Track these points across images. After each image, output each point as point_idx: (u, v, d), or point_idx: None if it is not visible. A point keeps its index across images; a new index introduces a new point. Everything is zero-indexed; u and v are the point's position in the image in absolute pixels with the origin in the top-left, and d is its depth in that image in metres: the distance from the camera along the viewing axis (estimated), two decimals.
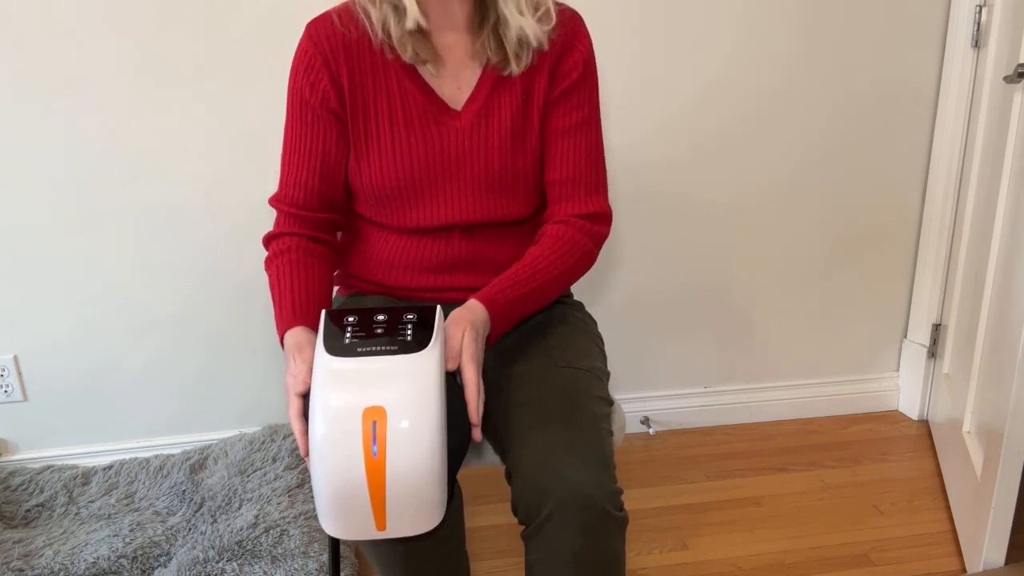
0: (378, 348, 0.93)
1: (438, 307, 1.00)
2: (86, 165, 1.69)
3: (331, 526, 0.93)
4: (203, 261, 1.79)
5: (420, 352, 0.93)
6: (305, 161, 1.15)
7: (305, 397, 1.00)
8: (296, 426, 0.99)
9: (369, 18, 1.10)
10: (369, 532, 0.92)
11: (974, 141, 1.81)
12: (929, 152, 1.98)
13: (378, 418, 0.88)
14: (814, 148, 1.93)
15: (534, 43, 1.11)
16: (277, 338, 1.10)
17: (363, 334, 0.95)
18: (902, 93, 1.92)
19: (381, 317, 0.98)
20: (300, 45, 1.13)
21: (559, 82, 1.15)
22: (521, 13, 1.09)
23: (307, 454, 0.99)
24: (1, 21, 1.58)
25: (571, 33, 1.16)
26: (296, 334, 1.05)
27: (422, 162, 1.13)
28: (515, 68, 1.12)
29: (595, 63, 1.19)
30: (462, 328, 1.02)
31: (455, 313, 1.05)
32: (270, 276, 1.14)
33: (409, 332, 0.95)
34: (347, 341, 0.94)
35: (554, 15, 1.12)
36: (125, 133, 1.68)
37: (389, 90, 1.13)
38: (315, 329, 1.06)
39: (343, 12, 1.12)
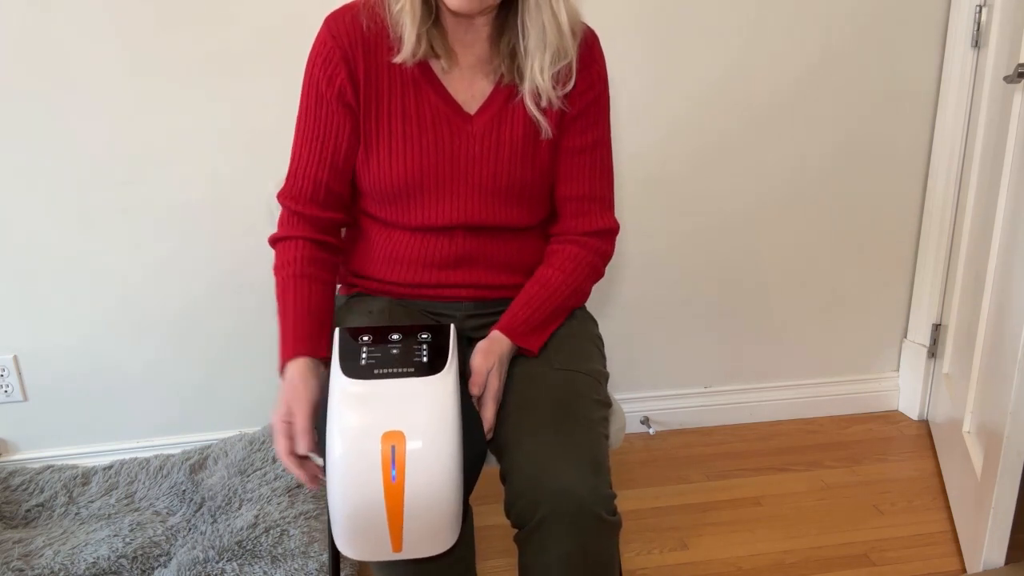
0: (395, 371, 0.94)
1: (451, 327, 1.01)
2: (87, 165, 1.69)
3: (348, 547, 0.94)
4: (203, 261, 1.79)
5: (437, 375, 0.93)
6: (316, 153, 1.15)
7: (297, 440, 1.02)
8: (288, 463, 1.02)
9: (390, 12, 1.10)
10: (385, 553, 0.93)
11: (974, 141, 1.81)
12: (929, 152, 1.98)
13: (397, 442, 0.89)
14: (814, 148, 1.93)
15: (543, 103, 1.13)
16: (278, 350, 1.12)
17: (379, 355, 0.96)
18: (902, 93, 1.92)
19: (396, 336, 0.98)
20: (319, 37, 1.14)
21: (574, 102, 1.16)
22: (542, 74, 1.09)
23: (311, 484, 1.02)
24: (1, 21, 1.58)
25: (588, 53, 1.16)
26: (296, 368, 1.07)
27: (431, 163, 1.14)
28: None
29: (607, 82, 1.20)
30: (491, 363, 1.07)
31: (483, 345, 1.09)
32: (276, 287, 1.15)
33: (425, 353, 0.96)
34: (363, 362, 0.95)
35: (575, 75, 1.13)
36: (126, 133, 1.68)
37: (404, 88, 1.13)
38: (317, 356, 1.08)
39: (364, 7, 1.12)
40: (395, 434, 0.89)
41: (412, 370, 0.94)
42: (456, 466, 0.92)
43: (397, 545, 0.92)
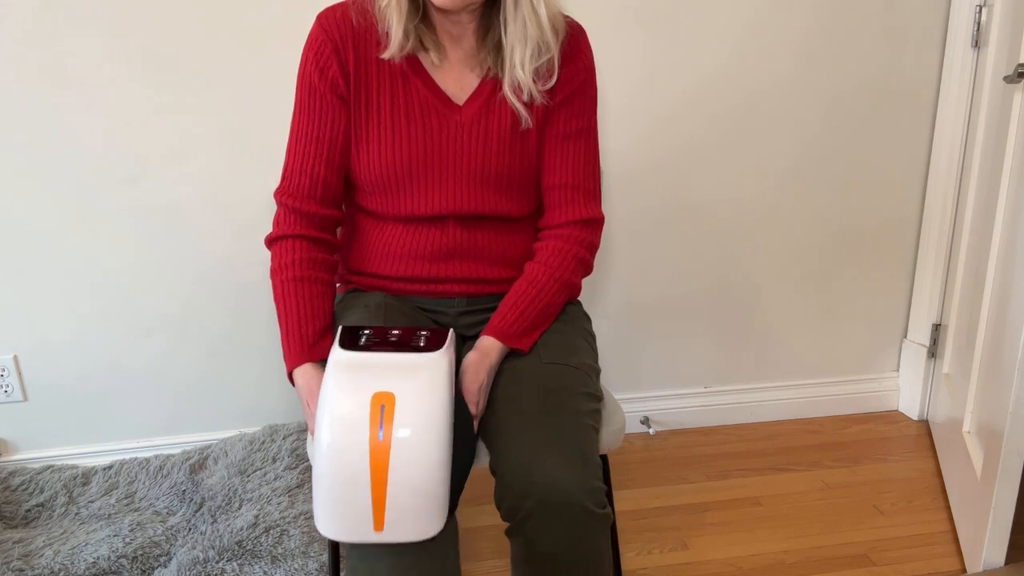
0: (391, 349, 0.96)
1: (451, 331, 1.02)
2: (86, 165, 1.69)
3: (327, 523, 0.92)
4: (203, 261, 1.79)
5: (432, 352, 0.95)
6: (312, 148, 1.16)
7: None
8: None
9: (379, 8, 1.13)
10: (366, 533, 0.91)
11: (974, 141, 1.81)
12: (929, 152, 1.98)
13: (387, 403, 0.89)
14: (814, 148, 1.93)
15: (524, 97, 1.15)
16: (282, 350, 1.15)
17: (377, 339, 0.98)
18: (902, 93, 1.92)
19: (396, 331, 1.00)
20: (311, 33, 1.16)
21: (560, 90, 1.18)
22: (522, 67, 1.12)
23: None
24: (2, 20, 1.58)
25: (574, 44, 1.19)
26: (306, 374, 1.09)
27: (419, 151, 1.16)
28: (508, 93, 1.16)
29: (595, 74, 1.22)
30: (481, 379, 1.09)
31: (473, 359, 1.10)
32: (274, 290, 1.16)
33: (422, 339, 0.98)
34: (362, 343, 0.97)
35: (557, 70, 1.15)
36: (125, 133, 1.68)
37: (393, 81, 1.15)
38: (324, 361, 1.09)
39: (354, 3, 1.16)
40: (385, 395, 0.90)
41: (407, 349, 0.96)
42: (445, 440, 0.91)
43: (379, 523, 0.91)
